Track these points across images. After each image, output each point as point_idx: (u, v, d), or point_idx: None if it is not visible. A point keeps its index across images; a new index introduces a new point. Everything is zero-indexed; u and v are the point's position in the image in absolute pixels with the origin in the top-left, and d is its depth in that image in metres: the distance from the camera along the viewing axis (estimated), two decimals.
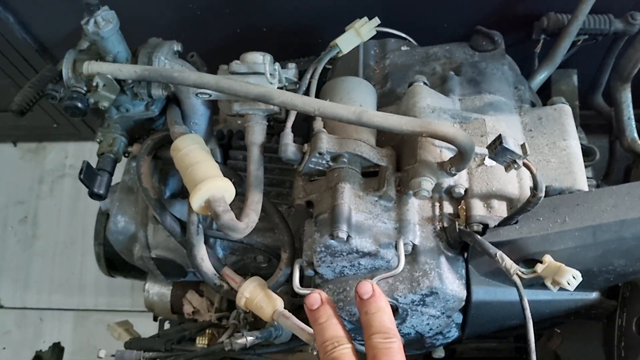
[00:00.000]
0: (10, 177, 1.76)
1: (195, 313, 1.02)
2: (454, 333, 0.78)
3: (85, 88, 0.75)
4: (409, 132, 0.67)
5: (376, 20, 0.78)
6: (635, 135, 0.85)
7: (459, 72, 0.85)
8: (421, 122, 0.67)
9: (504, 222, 0.70)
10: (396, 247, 0.70)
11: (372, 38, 0.93)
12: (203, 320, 1.01)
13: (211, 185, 0.69)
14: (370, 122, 0.67)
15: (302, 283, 0.74)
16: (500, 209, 0.73)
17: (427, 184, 0.71)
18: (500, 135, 0.62)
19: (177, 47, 0.81)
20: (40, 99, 0.82)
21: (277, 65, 0.76)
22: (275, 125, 0.83)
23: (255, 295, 0.75)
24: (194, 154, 0.73)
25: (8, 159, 1.77)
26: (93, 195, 0.77)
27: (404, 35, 0.97)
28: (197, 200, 0.69)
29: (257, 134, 0.77)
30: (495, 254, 0.66)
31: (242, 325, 0.88)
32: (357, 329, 0.76)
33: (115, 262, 1.05)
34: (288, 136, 0.75)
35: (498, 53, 0.88)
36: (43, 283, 1.68)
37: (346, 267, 0.73)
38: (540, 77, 0.99)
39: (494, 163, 0.75)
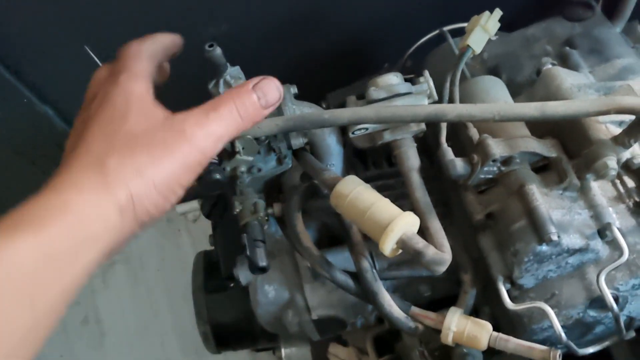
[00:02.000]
0: None
1: None
2: None
3: (217, 158, 0.68)
4: (595, 113, 0.63)
5: (498, 12, 0.75)
6: None
7: (574, 46, 0.82)
8: (605, 100, 0.63)
9: None
10: (602, 234, 0.67)
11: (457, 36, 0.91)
12: None
13: (402, 223, 0.63)
14: (554, 114, 0.63)
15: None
16: None
17: (612, 162, 0.67)
18: None
19: (294, 90, 0.75)
20: None
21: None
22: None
23: (463, 325, 0.69)
24: (365, 196, 0.66)
25: None
26: (257, 269, 0.70)
27: None
28: (389, 243, 0.63)
29: (412, 159, 0.71)
30: None
31: None
32: (571, 330, 0.72)
33: (225, 337, 0.97)
34: (449, 152, 0.71)
35: (599, 18, 0.86)
36: None
37: (551, 270, 0.69)
38: None
39: None
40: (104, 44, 0.97)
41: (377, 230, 0.64)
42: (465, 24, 0.93)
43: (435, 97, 0.70)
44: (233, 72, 0.66)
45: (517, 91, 0.81)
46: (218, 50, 0.63)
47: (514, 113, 0.63)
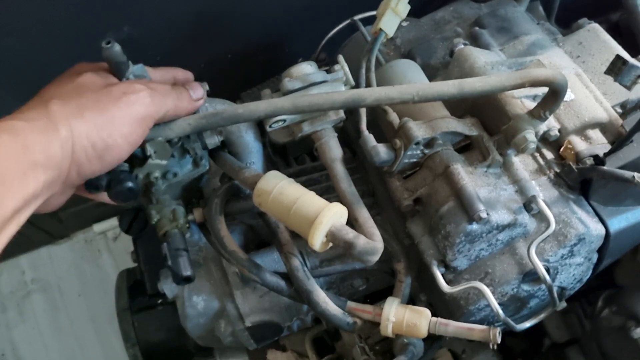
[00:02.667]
0: None
1: None
2: (588, 275, 0.76)
3: (127, 165, 0.63)
4: (511, 87, 0.63)
5: None
6: None
7: (483, 26, 0.83)
8: (520, 74, 0.63)
9: (618, 146, 0.68)
10: (528, 207, 0.67)
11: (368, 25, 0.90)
12: None
13: (330, 215, 0.60)
14: (472, 90, 0.62)
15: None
16: (598, 137, 0.72)
17: (531, 135, 0.67)
18: (618, 55, 0.60)
19: (205, 87, 0.71)
20: None
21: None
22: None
23: (401, 315, 0.67)
24: (289, 191, 0.63)
25: None
26: (182, 280, 0.65)
27: None
28: (319, 237, 0.60)
29: (335, 149, 0.69)
30: (633, 177, 0.65)
31: (375, 358, 0.79)
32: (507, 307, 0.72)
33: (157, 358, 0.92)
34: (371, 138, 0.69)
35: None
36: None
37: (483, 249, 0.68)
38: None
39: (572, 96, 0.74)
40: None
41: (305, 225, 0.61)
42: (372, 12, 0.93)
43: (352, 82, 0.68)
44: (137, 70, 0.62)
45: (433, 74, 0.80)
46: (117, 47, 0.58)
47: (432, 92, 0.62)
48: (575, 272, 0.72)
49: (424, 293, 0.79)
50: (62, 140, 0.51)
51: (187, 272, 0.65)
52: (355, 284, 0.80)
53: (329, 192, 0.79)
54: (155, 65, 0.71)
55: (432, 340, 0.81)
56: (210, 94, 0.74)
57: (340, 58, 0.68)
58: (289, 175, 0.68)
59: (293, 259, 0.69)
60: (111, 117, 0.54)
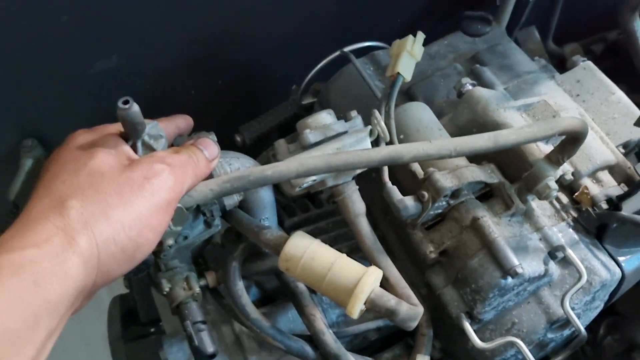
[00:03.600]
0: None
1: None
2: (596, 314, 0.77)
3: None
4: (542, 137, 0.62)
5: (422, 36, 0.71)
6: None
7: (484, 63, 0.82)
8: (549, 125, 0.62)
9: (633, 190, 0.69)
10: (552, 256, 0.66)
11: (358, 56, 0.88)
12: None
13: (370, 283, 0.57)
14: (507, 143, 0.60)
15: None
16: (608, 180, 0.73)
17: (552, 182, 0.67)
18: None
19: (213, 137, 0.64)
20: None
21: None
22: None
23: None
24: (321, 255, 0.58)
25: None
26: (206, 358, 0.59)
27: (382, 44, 0.90)
28: (359, 306, 0.57)
29: (357, 204, 0.65)
30: None
31: None
32: (533, 351, 0.71)
33: None
34: (395, 191, 0.65)
35: (498, 32, 0.87)
36: None
37: (511, 300, 0.67)
38: None
39: None
40: None
41: (343, 293, 0.57)
42: (364, 44, 0.90)
43: (387, 137, 0.64)
44: (152, 130, 0.55)
45: (437, 112, 0.78)
46: (135, 108, 0.51)
47: (469, 147, 0.59)
48: (592, 314, 0.73)
49: (439, 341, 0.77)
50: (85, 254, 0.43)
51: (211, 348, 0.59)
52: (368, 336, 0.76)
53: (339, 241, 0.75)
54: (145, 95, 0.65)
55: None
56: (203, 123, 0.68)
57: (376, 113, 0.64)
58: (296, 225, 0.64)
59: (318, 322, 0.65)
60: (138, 211, 0.47)
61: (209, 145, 0.59)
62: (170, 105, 0.97)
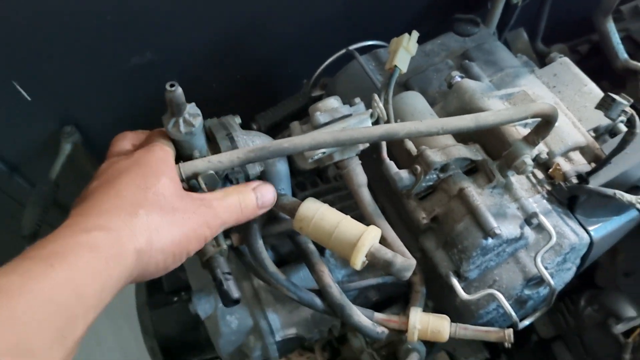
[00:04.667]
0: None
1: None
2: (571, 277, 0.88)
3: None
4: (518, 119, 0.73)
5: (416, 34, 0.82)
6: (626, 55, 1.01)
7: (472, 59, 0.93)
8: (524, 108, 0.72)
9: (600, 166, 0.80)
10: (528, 222, 0.77)
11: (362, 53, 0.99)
12: None
13: (370, 238, 0.68)
14: (486, 123, 0.71)
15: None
16: (579, 158, 0.83)
17: (528, 159, 0.77)
18: (607, 94, 0.71)
19: (238, 120, 0.76)
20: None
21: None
22: None
23: (426, 322, 0.76)
24: (329, 216, 0.70)
25: None
26: (232, 302, 0.70)
27: (383, 43, 1.01)
28: (361, 258, 0.68)
29: (360, 176, 0.76)
30: (614, 194, 0.76)
31: None
32: (513, 307, 0.82)
33: (172, 349, 1.00)
34: (393, 166, 0.76)
35: (485, 32, 0.98)
36: None
37: (492, 260, 0.77)
38: None
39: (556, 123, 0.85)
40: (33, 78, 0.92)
41: (347, 247, 0.68)
42: (367, 42, 1.01)
43: (385, 116, 0.75)
44: (191, 109, 0.66)
45: (430, 102, 0.89)
46: (179, 90, 0.62)
47: (454, 125, 0.70)
48: (564, 275, 0.83)
49: (431, 300, 0.87)
50: (140, 252, 0.52)
51: (236, 294, 0.70)
52: (369, 296, 0.87)
53: (343, 212, 0.86)
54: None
55: (432, 344, 0.90)
56: (223, 112, 0.79)
57: (375, 97, 0.75)
58: (305, 198, 0.74)
59: (325, 276, 0.76)
60: (184, 235, 0.57)
61: (266, 193, 0.68)
62: (194, 97, 1.09)
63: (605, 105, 0.71)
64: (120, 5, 0.88)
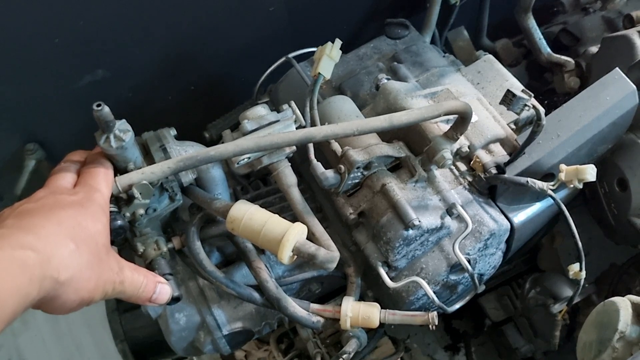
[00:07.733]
0: None
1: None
2: (500, 261, 0.93)
3: (115, 206, 0.73)
4: (430, 118, 0.78)
5: (339, 42, 0.88)
6: (549, 50, 1.07)
7: (400, 61, 0.98)
8: (436, 106, 0.78)
9: (515, 157, 0.86)
10: (450, 212, 0.83)
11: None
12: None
13: (294, 233, 0.73)
14: (400, 123, 0.77)
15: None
16: (499, 150, 0.89)
17: (448, 153, 0.83)
18: (508, 90, 0.77)
19: (173, 132, 0.82)
20: None
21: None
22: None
23: (357, 310, 0.81)
24: (257, 215, 0.76)
25: None
26: (173, 300, 0.76)
27: None
28: (287, 252, 0.73)
29: (289, 176, 0.82)
30: (527, 182, 0.82)
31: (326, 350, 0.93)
32: (440, 294, 0.87)
33: (143, 351, 1.04)
34: (319, 166, 0.82)
35: (414, 35, 1.04)
36: None
37: (417, 249, 0.83)
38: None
39: (476, 118, 0.91)
40: None
41: (274, 243, 0.74)
42: (306, 50, 1.07)
43: (302, 122, 0.81)
44: (121, 126, 0.72)
45: (362, 104, 0.95)
46: (106, 109, 0.68)
47: (369, 126, 0.76)
48: (490, 260, 0.89)
49: (371, 290, 0.93)
50: (59, 282, 0.54)
51: (177, 292, 0.76)
52: (312, 289, 0.93)
53: (284, 211, 0.92)
54: (128, 102, 0.80)
55: (375, 331, 0.96)
56: (178, 123, 0.85)
57: (292, 103, 0.81)
58: (249, 200, 0.80)
59: (262, 272, 0.81)
60: (97, 287, 0.59)
61: (164, 294, 0.71)
62: (150, 109, 1.16)
63: (507, 101, 0.77)
64: (68, 27, 0.93)
